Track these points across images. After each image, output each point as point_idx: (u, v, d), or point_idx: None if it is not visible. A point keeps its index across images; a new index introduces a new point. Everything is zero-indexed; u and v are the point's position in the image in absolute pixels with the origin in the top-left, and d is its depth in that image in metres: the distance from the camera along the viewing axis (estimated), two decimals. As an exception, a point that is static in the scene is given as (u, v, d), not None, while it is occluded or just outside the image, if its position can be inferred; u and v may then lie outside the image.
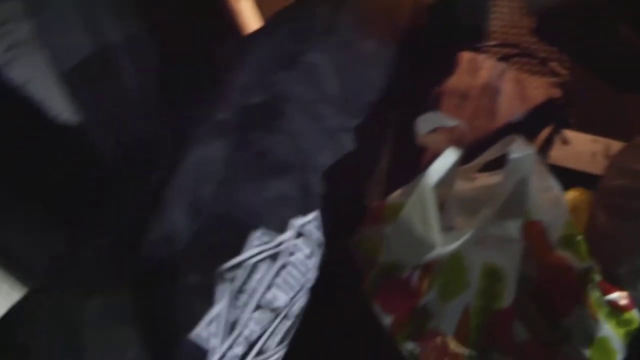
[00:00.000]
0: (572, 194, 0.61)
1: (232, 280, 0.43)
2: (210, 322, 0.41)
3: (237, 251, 0.44)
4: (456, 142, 0.54)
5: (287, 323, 0.47)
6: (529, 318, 0.46)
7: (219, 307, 0.42)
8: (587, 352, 0.44)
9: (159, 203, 0.45)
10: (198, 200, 0.45)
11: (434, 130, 0.58)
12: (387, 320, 0.50)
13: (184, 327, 0.41)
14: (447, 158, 0.51)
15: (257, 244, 0.45)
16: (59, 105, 0.69)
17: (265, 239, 0.46)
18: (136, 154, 0.60)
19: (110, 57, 0.60)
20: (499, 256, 0.47)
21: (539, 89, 0.73)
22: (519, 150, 0.47)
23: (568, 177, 0.58)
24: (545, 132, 0.71)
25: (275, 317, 0.46)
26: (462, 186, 0.55)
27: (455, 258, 0.49)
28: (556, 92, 0.74)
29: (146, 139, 0.59)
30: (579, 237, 0.48)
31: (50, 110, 0.69)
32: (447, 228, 0.51)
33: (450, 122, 0.56)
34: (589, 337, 0.44)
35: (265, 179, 0.48)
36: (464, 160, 0.58)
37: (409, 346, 0.48)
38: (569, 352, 0.45)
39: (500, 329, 0.45)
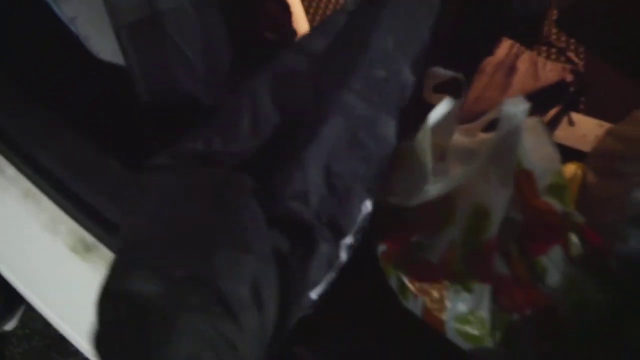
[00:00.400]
0: (572, 167, 0.64)
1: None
2: None
3: (353, 221, 0.49)
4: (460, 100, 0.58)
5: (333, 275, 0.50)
6: (510, 255, 0.49)
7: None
8: (560, 292, 0.48)
9: (299, 159, 0.48)
10: (328, 167, 0.49)
11: (440, 89, 0.61)
12: (381, 248, 0.54)
13: (308, 286, 0.46)
14: (445, 106, 0.54)
15: (362, 217, 0.50)
16: (101, 44, 0.75)
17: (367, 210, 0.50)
18: (173, 108, 0.65)
19: (160, 23, 0.63)
20: (488, 198, 0.50)
21: (553, 72, 0.76)
22: (514, 103, 0.51)
23: (570, 156, 0.62)
24: (553, 111, 0.74)
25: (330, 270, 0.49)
26: (462, 140, 0.58)
27: (446, 199, 0.52)
28: (569, 77, 0.76)
29: (186, 98, 0.64)
30: (565, 186, 0.51)
31: (92, 47, 0.75)
32: (443, 173, 0.55)
33: (450, 73, 0.59)
34: (562, 278, 0.48)
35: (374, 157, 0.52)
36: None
37: (397, 274, 0.52)
38: (544, 290, 0.48)
39: (482, 259, 0.48)
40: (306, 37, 0.60)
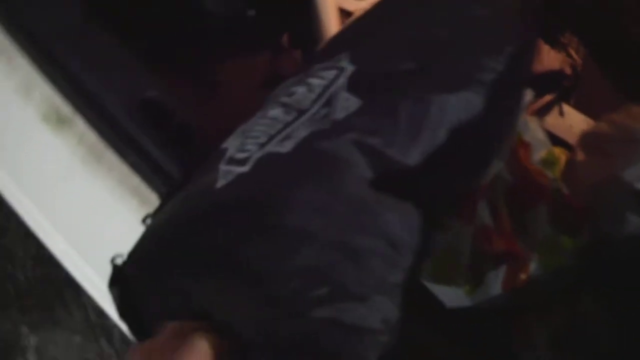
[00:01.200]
0: (557, 150, 0.67)
1: None
2: None
3: None
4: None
5: None
6: (496, 207, 0.51)
7: None
8: (535, 249, 0.49)
9: None
10: None
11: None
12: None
13: None
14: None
15: None
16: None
17: None
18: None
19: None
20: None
21: (556, 60, 0.78)
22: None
23: (554, 142, 0.65)
24: (547, 98, 0.76)
25: None
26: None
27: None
28: (568, 69, 0.79)
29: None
30: (556, 163, 0.54)
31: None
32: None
33: None
34: (541, 236, 0.49)
35: None
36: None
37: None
38: (522, 245, 0.49)
39: (467, 203, 0.49)
40: None
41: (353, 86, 0.43)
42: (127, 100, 0.54)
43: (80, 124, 0.56)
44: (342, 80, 0.43)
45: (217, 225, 0.36)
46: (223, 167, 0.40)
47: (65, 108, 0.56)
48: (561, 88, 0.78)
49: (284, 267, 0.33)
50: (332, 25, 0.75)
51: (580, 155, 0.57)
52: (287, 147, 0.38)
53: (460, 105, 0.42)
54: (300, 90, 0.44)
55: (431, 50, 0.44)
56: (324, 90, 0.43)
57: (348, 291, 0.33)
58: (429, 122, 0.40)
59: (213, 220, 0.37)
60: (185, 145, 0.54)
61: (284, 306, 0.32)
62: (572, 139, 0.75)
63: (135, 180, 0.55)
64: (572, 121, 0.77)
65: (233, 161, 0.40)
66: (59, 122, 0.56)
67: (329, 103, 0.43)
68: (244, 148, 0.41)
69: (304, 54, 0.76)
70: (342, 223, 0.35)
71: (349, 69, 0.44)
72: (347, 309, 0.33)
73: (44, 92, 0.56)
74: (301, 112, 0.42)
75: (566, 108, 0.78)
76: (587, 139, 0.59)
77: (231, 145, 0.43)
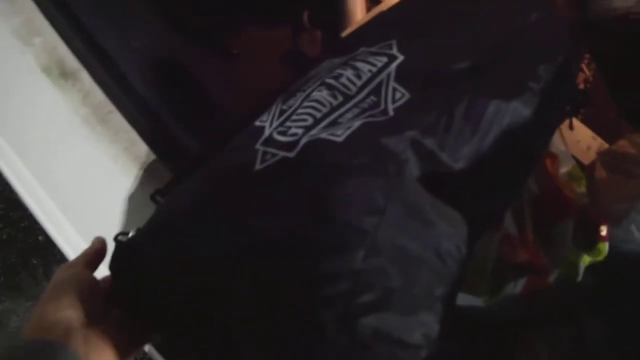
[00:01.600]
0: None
1: None
2: None
3: None
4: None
5: None
6: (522, 219, 0.50)
7: None
8: (557, 263, 0.49)
9: None
10: None
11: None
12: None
13: None
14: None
15: None
16: None
17: None
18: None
19: None
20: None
21: (571, 73, 0.78)
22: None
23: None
24: (559, 111, 0.76)
25: None
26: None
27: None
28: (581, 84, 0.79)
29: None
30: (582, 177, 0.54)
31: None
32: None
33: None
34: (564, 250, 0.49)
35: None
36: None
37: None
38: (545, 258, 0.49)
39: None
40: None
41: (401, 77, 0.40)
42: (141, 57, 0.50)
43: (86, 80, 0.51)
44: (391, 69, 0.41)
45: (259, 210, 0.33)
46: (261, 147, 0.37)
47: (70, 60, 0.51)
48: (573, 102, 0.78)
49: (336, 265, 0.30)
50: (357, 7, 0.72)
51: (601, 173, 0.57)
52: (340, 135, 0.35)
53: (512, 113, 0.40)
54: (347, 73, 0.41)
55: (486, 53, 0.42)
56: (372, 77, 0.40)
57: (396, 301, 0.31)
58: (480, 127, 0.38)
59: (253, 205, 0.34)
60: (204, 117, 0.50)
61: (334, 309, 0.30)
62: (578, 154, 0.76)
63: (143, 148, 0.50)
64: (581, 136, 0.77)
65: (274, 143, 0.37)
66: (62, 75, 0.51)
67: (376, 92, 0.40)
68: (288, 131, 0.37)
69: (325, 34, 0.73)
70: (395, 226, 0.33)
71: (399, 57, 0.42)
72: (394, 320, 0.31)
73: (48, 39, 0.51)
74: (348, 97, 0.39)
75: (576, 122, 0.78)
76: (609, 156, 0.58)
77: (268, 124, 0.39)
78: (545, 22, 0.46)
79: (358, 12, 0.72)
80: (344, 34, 0.64)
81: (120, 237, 0.39)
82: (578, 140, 0.77)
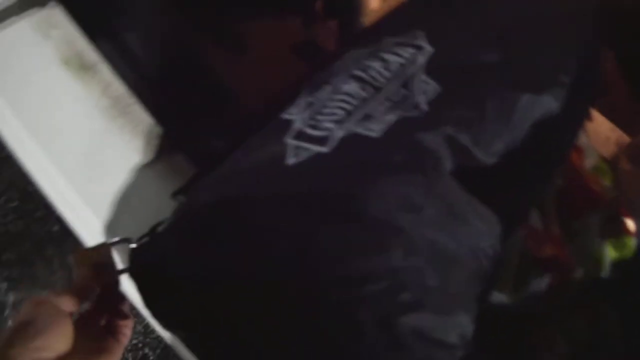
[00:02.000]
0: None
1: None
2: None
3: None
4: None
5: None
6: (545, 211, 0.49)
7: None
8: (582, 257, 0.48)
9: None
10: None
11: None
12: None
13: None
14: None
15: None
16: None
17: None
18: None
19: None
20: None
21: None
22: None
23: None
24: (579, 101, 0.75)
25: None
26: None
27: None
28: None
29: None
30: (607, 171, 0.53)
31: None
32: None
33: None
34: (592, 247, 0.49)
35: None
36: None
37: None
38: (570, 253, 0.48)
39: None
40: None
41: (431, 69, 0.40)
42: (161, 50, 0.49)
43: (105, 72, 0.50)
44: (420, 61, 0.40)
45: (296, 207, 0.32)
46: (291, 141, 0.37)
47: (89, 52, 0.50)
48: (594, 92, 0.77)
49: (374, 264, 0.30)
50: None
51: (626, 165, 0.56)
52: (376, 131, 0.35)
53: (542, 106, 0.39)
54: (375, 65, 0.40)
55: (515, 45, 0.41)
56: (401, 69, 0.40)
57: (433, 301, 0.31)
58: (512, 122, 0.38)
59: (288, 200, 0.33)
60: (222, 110, 0.49)
61: (373, 308, 0.30)
62: (597, 145, 0.75)
63: (163, 140, 0.50)
64: (599, 128, 0.76)
65: (306, 137, 0.36)
66: (82, 68, 0.50)
67: (406, 84, 0.39)
68: (320, 125, 0.37)
69: (340, 25, 0.72)
70: (432, 224, 0.32)
71: (427, 49, 0.41)
72: (432, 320, 0.31)
73: (68, 31, 0.50)
74: (377, 90, 0.39)
75: (594, 113, 0.77)
76: (633, 150, 0.58)
77: (298, 118, 0.39)
78: (569, 16, 0.46)
79: (372, 0, 0.71)
80: (365, 23, 0.64)
81: (139, 239, 0.39)
82: (597, 131, 0.76)
